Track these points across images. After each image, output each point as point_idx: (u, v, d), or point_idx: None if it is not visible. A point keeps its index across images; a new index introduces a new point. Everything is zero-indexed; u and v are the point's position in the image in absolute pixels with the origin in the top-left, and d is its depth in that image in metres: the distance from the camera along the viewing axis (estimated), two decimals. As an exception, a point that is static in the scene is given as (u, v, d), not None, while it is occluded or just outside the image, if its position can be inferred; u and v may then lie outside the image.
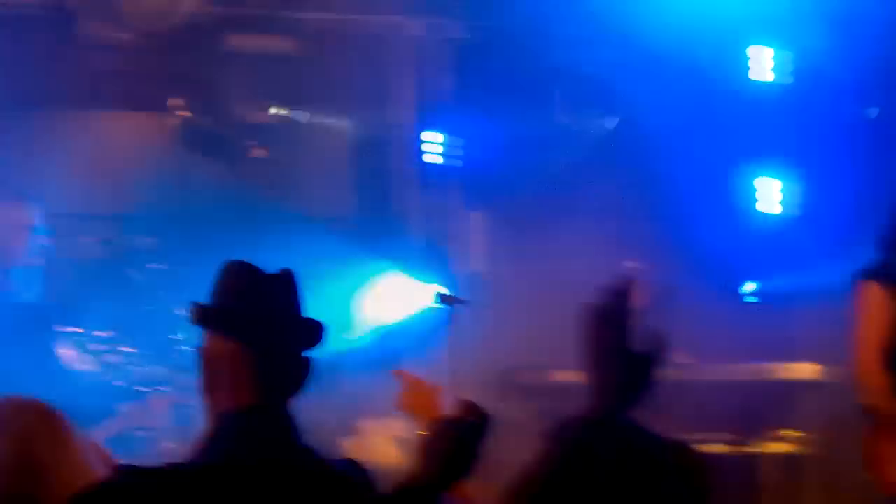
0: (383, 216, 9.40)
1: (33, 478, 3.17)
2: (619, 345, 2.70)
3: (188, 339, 7.74)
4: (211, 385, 3.09)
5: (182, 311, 7.75)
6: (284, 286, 3.12)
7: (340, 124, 9.55)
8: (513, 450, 3.15)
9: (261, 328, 3.07)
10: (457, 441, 3.06)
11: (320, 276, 3.25)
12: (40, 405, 3.31)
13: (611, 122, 9.20)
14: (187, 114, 8.48)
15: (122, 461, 3.14)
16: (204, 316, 3.11)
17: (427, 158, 9.23)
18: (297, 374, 3.12)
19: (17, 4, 9.10)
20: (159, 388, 7.66)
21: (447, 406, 3.56)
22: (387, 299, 8.22)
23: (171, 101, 8.41)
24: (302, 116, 9.42)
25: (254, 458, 2.99)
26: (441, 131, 9.26)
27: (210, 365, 3.09)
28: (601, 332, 2.73)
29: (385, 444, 7.70)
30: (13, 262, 6.65)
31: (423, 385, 3.80)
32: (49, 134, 8.74)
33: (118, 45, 8.90)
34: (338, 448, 3.16)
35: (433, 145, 9.23)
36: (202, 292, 3.28)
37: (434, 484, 3.05)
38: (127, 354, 7.64)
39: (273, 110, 9.36)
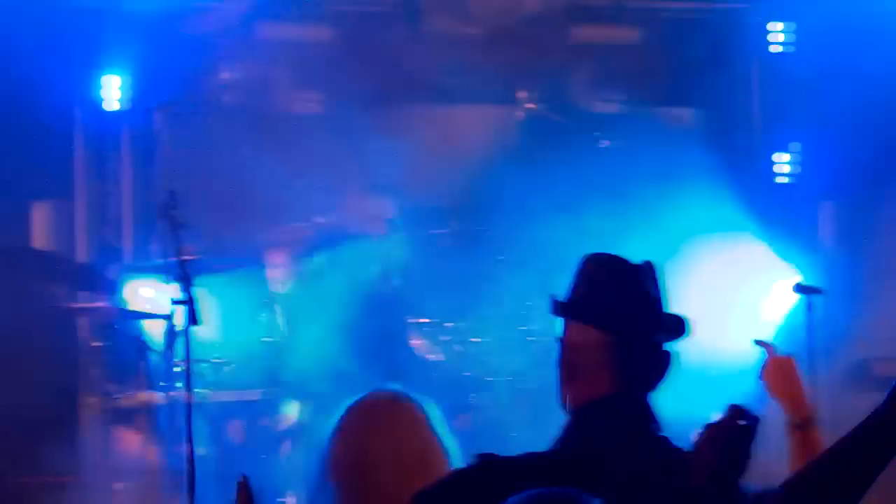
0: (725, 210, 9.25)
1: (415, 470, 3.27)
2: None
3: (537, 331, 7.82)
4: (571, 375, 3.10)
5: (531, 303, 7.84)
6: (648, 277, 3.10)
7: (685, 114, 9.44)
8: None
9: (625, 318, 3.06)
10: (727, 445, 2.95)
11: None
12: (410, 399, 3.40)
13: None
14: (534, 106, 8.53)
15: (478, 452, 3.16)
16: (567, 306, 3.12)
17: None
18: (658, 366, 3.11)
19: (367, 2, 9.40)
20: (508, 378, 7.76)
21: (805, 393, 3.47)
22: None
23: (519, 94, 8.47)
24: (647, 107, 9.35)
25: (613, 448, 2.99)
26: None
27: (571, 355, 3.10)
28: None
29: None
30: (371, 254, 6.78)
31: (787, 363, 3.63)
32: (400, 128, 8.95)
33: (465, 39, 9.06)
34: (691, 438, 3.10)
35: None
36: (552, 284, 3.29)
37: (704, 487, 2.94)
38: (476, 345, 7.74)
39: (618, 101, 9.33)
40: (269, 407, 7.35)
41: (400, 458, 3.29)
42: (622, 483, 2.95)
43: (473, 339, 7.75)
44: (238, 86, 8.31)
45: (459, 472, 3.05)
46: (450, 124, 9.09)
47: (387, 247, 6.88)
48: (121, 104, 8.81)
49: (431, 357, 7.71)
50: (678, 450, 3.07)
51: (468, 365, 7.70)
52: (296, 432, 7.38)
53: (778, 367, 3.61)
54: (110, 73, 8.78)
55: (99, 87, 8.81)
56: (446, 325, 7.80)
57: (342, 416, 3.44)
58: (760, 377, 3.86)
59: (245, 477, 3.16)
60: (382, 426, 3.38)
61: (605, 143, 8.53)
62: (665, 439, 3.10)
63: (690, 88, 9.23)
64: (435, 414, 3.43)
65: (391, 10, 9.29)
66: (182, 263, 5.39)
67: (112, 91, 8.79)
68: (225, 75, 7.75)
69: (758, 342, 3.88)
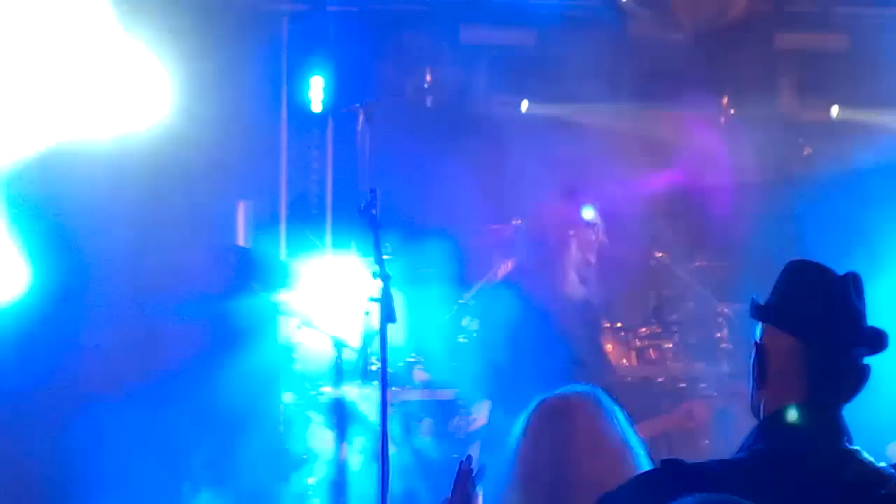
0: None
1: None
2: None
3: (730, 338, 7.73)
4: (763, 380, 3.06)
5: (725, 310, 7.76)
6: (852, 288, 3.05)
7: (888, 121, 9.23)
8: None
9: (823, 328, 3.02)
10: None
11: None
12: (599, 402, 3.41)
13: None
14: (736, 111, 8.43)
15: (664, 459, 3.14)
16: (766, 309, 3.09)
17: None
18: (853, 378, 3.05)
19: (572, 6, 9.41)
20: (701, 385, 7.68)
21: None
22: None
23: (723, 100, 8.39)
24: (849, 114, 9.16)
25: (799, 457, 2.95)
26: None
27: (766, 360, 3.07)
28: None
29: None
30: (577, 260, 6.71)
31: None
32: (602, 131, 8.95)
33: (670, 44, 9.00)
34: (884, 454, 3.06)
35: None
36: (748, 290, 3.26)
37: None
38: (668, 350, 7.69)
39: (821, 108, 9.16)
40: (461, 407, 7.40)
41: (592, 458, 3.30)
42: (806, 494, 2.90)
43: (667, 344, 7.69)
44: (441, 87, 8.39)
45: (644, 476, 3.03)
46: (653, 129, 9.05)
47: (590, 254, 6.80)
48: (324, 105, 9.00)
49: (624, 362, 7.67)
50: (870, 464, 3.01)
51: (660, 371, 7.65)
52: (486, 433, 7.42)
53: None
54: (316, 74, 8.97)
55: (306, 88, 9.01)
56: (641, 329, 7.76)
57: (533, 416, 3.45)
58: None
59: (468, 459, 3.23)
60: (575, 426, 3.39)
61: (808, 151, 8.38)
62: (856, 452, 3.04)
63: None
64: (622, 417, 3.43)
65: (595, 14, 9.28)
66: (380, 262, 5.46)
67: (317, 92, 8.98)
68: (428, 77, 7.84)
69: None
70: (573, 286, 6.63)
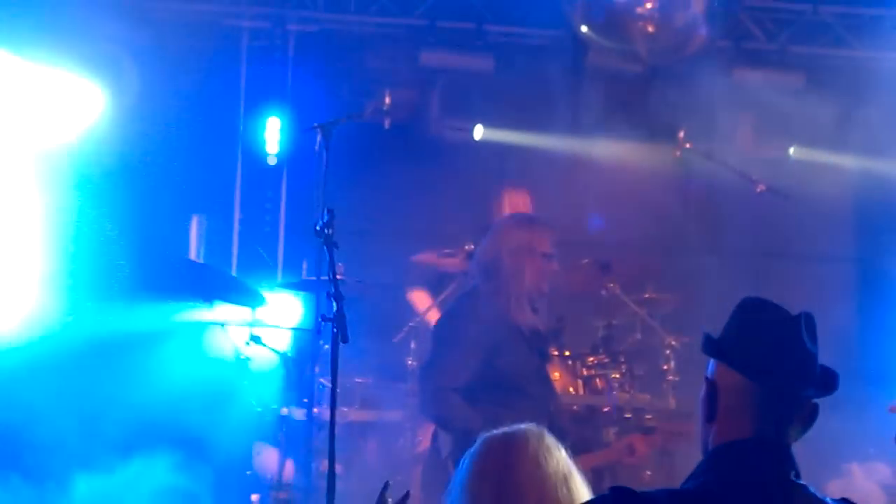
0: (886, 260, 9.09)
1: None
2: None
3: (677, 370, 7.78)
4: (713, 415, 3.08)
5: (673, 342, 7.80)
6: (804, 329, 3.08)
7: (846, 163, 9.32)
8: None
9: (774, 369, 3.03)
10: None
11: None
12: (546, 437, 3.45)
13: None
14: (692, 145, 8.49)
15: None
16: (717, 345, 3.11)
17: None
18: (802, 418, 3.08)
19: (531, 35, 9.47)
20: (647, 416, 7.72)
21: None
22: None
23: (679, 133, 8.44)
24: (807, 154, 9.26)
25: (748, 489, 2.97)
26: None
27: (716, 396, 3.08)
28: None
29: (871, 488, 7.46)
30: (530, 288, 6.71)
31: None
32: (557, 160, 8.99)
33: (628, 76, 9.06)
34: (823, 489, 3.08)
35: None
36: (696, 323, 3.28)
37: None
38: (615, 381, 7.71)
39: (778, 147, 9.25)
40: (407, 429, 7.40)
41: (535, 490, 3.32)
42: None
43: (614, 375, 7.71)
44: (399, 110, 8.41)
45: (593, 502, 3.05)
46: (608, 159, 9.10)
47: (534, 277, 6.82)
48: (280, 146, 9.01)
49: (570, 390, 7.69)
50: (817, 498, 3.04)
51: (606, 400, 7.67)
52: (430, 456, 7.42)
53: None
54: (274, 108, 8.99)
55: (262, 128, 9.02)
56: (589, 358, 7.78)
57: (477, 452, 3.49)
58: None
59: (388, 483, 3.24)
60: (519, 459, 3.43)
61: (763, 188, 8.44)
62: (804, 487, 3.06)
63: (852, 139, 9.12)
64: (563, 452, 3.47)
65: (554, 43, 9.34)
66: (333, 281, 5.46)
67: (273, 133, 9.00)
68: (387, 99, 7.85)
69: (892, 408, 3.88)
70: (525, 314, 6.65)
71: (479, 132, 9.25)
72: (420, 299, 8.14)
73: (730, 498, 2.98)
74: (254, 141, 9.14)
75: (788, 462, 3.06)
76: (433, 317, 7.84)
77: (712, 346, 3.12)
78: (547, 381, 6.93)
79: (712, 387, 3.11)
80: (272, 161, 9.09)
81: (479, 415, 6.24)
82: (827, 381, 3.09)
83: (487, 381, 6.46)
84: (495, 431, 3.52)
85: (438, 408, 6.49)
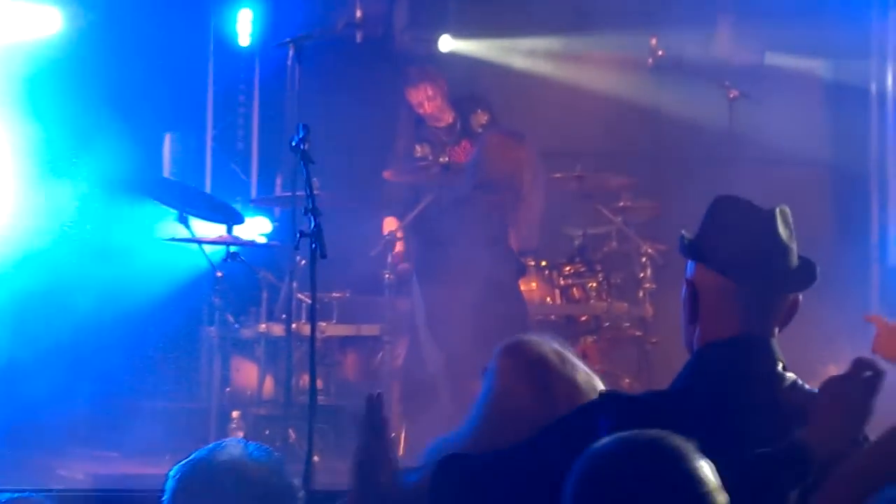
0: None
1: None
2: None
3: (653, 278, 7.80)
4: (696, 316, 3.08)
5: (649, 250, 7.81)
6: (779, 222, 3.07)
7: (816, 69, 9.31)
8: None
9: (752, 267, 3.03)
10: (849, 398, 2.93)
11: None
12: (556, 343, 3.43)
13: None
14: (664, 52, 8.43)
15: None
16: (694, 247, 3.11)
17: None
18: (783, 311, 3.09)
19: None
20: (624, 324, 7.76)
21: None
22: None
23: (652, 40, 8.38)
24: (779, 59, 9.23)
25: (736, 383, 3.00)
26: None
27: (696, 297, 3.08)
28: None
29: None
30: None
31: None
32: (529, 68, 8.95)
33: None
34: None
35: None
36: (673, 231, 3.27)
37: (825, 440, 2.92)
38: (590, 290, 7.73)
39: (753, 53, 9.21)
40: (385, 343, 7.43)
41: (550, 396, 3.30)
42: (744, 419, 2.95)
43: (590, 283, 7.73)
44: (371, 24, 8.33)
45: (583, 408, 3.06)
46: (581, 67, 9.05)
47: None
48: (252, 39, 8.93)
49: (548, 300, 7.71)
50: (805, 389, 3.06)
51: (581, 309, 7.70)
52: (407, 370, 7.46)
53: (890, 334, 3.62)
54: (244, 6, 8.89)
55: (234, 22, 8.92)
56: (566, 268, 7.79)
57: (511, 356, 3.42)
58: (875, 348, 3.94)
59: (379, 394, 3.23)
60: (534, 367, 3.35)
61: (735, 94, 8.41)
62: (794, 379, 3.08)
63: (823, 45, 9.10)
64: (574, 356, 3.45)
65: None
66: (310, 197, 5.44)
67: (245, 26, 8.90)
68: (358, 13, 7.77)
69: (867, 317, 3.94)
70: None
71: (445, 43, 9.18)
72: (388, 224, 8.12)
73: (719, 395, 2.99)
74: (226, 51, 9.05)
75: (774, 356, 3.07)
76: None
77: (689, 248, 3.12)
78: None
79: (692, 287, 3.11)
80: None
81: None
82: (806, 274, 3.09)
83: None
84: (511, 340, 3.49)
85: None
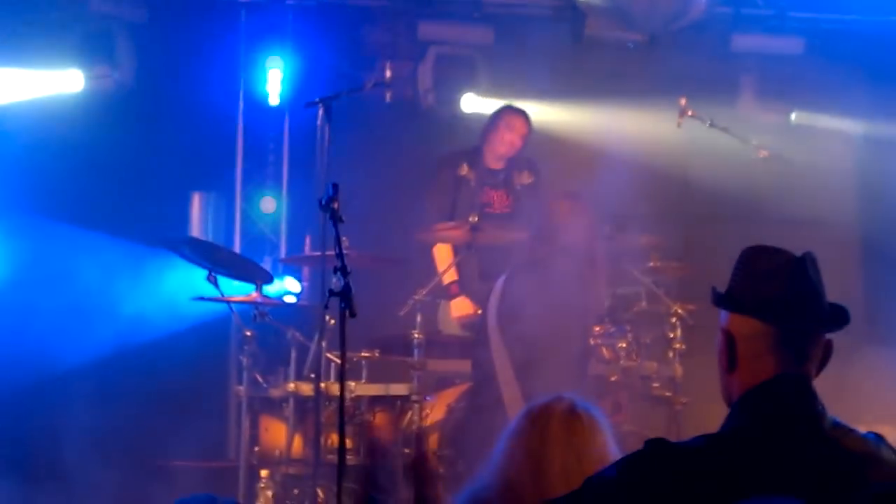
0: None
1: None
2: None
3: (683, 338, 7.78)
4: (734, 364, 3.10)
5: (679, 310, 7.79)
6: (809, 267, 3.10)
7: (849, 127, 9.32)
8: None
9: (786, 307, 3.06)
10: None
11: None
12: (589, 411, 3.51)
13: None
14: (694, 113, 8.44)
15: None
16: (729, 297, 3.13)
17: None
18: (818, 354, 3.11)
19: (530, 4, 9.43)
20: (654, 384, 7.72)
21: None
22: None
23: (681, 101, 8.40)
24: (807, 118, 9.25)
25: (781, 424, 3.01)
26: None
27: (734, 345, 3.11)
28: None
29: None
30: None
31: None
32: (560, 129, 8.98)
33: (628, 45, 9.04)
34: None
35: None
36: (705, 289, 3.29)
37: None
38: (620, 349, 7.71)
39: (779, 112, 9.24)
40: (415, 402, 7.40)
41: (570, 468, 3.36)
42: (792, 458, 2.96)
43: (621, 345, 7.71)
44: (399, 83, 8.40)
45: (631, 457, 3.06)
46: (610, 128, 9.08)
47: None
48: (282, 98, 9.00)
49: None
50: (850, 429, 3.06)
51: (613, 368, 7.68)
52: (438, 429, 7.42)
53: None
54: (274, 66, 8.97)
55: (264, 81, 9.00)
56: (595, 328, 7.77)
57: (522, 418, 3.55)
58: None
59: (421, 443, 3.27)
60: (562, 437, 3.50)
61: (765, 153, 8.42)
62: (834, 418, 3.09)
63: (854, 103, 9.11)
64: (607, 424, 3.50)
65: (553, 13, 9.31)
66: (340, 256, 5.45)
67: (275, 85, 8.98)
68: (388, 72, 7.83)
69: None
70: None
71: (468, 103, 9.24)
72: (441, 255, 8.17)
73: (764, 435, 3.00)
74: (255, 110, 9.12)
75: (814, 396, 3.09)
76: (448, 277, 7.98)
77: (722, 298, 3.14)
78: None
79: (728, 336, 3.12)
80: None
81: None
82: (838, 316, 3.12)
83: None
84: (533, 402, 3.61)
85: None
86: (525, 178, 8.40)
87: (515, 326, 7.06)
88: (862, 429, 3.11)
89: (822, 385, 3.11)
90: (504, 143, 8.30)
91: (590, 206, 7.38)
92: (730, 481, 2.91)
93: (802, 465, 2.97)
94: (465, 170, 8.30)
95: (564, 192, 7.70)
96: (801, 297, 3.09)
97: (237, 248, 8.85)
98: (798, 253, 3.14)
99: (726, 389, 3.13)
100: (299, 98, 8.48)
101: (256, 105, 9.10)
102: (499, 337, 7.18)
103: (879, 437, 3.15)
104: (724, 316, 3.15)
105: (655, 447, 2.98)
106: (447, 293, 8.13)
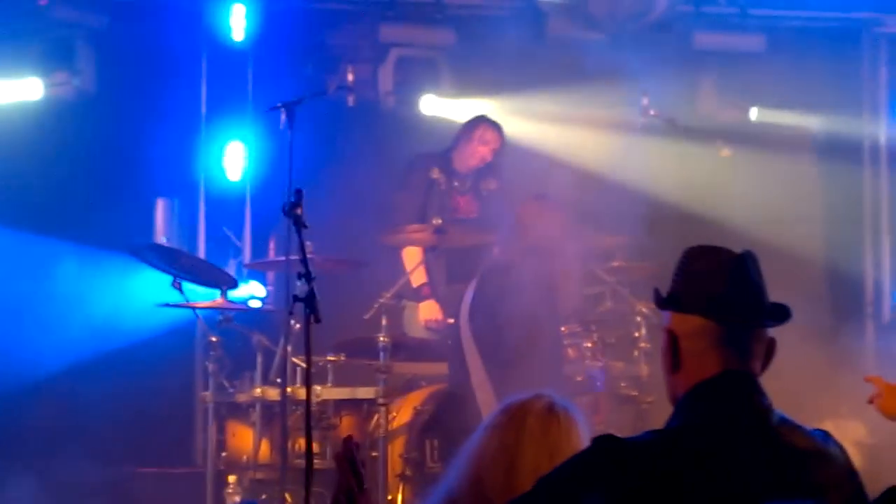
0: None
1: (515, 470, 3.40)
2: None
3: (648, 337, 7.81)
4: (678, 363, 3.11)
5: (644, 309, 7.82)
6: (750, 265, 3.13)
7: (806, 124, 9.37)
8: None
9: (729, 304, 3.06)
10: None
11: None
12: (567, 409, 3.51)
13: None
14: (656, 112, 8.48)
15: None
16: (672, 298, 3.15)
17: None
18: (762, 350, 3.13)
19: (492, 5, 9.45)
20: (620, 384, 7.75)
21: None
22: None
23: (643, 100, 8.43)
24: (768, 115, 9.29)
25: (728, 420, 3.03)
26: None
27: (676, 343, 3.12)
28: None
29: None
30: None
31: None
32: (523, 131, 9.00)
33: (589, 44, 9.05)
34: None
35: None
36: (667, 287, 3.30)
37: None
38: (586, 349, 7.73)
39: (740, 109, 9.28)
40: (382, 406, 7.40)
41: (541, 466, 3.36)
42: (740, 453, 2.98)
43: (586, 345, 7.73)
44: (361, 86, 8.39)
45: (580, 455, 3.07)
46: (571, 128, 9.10)
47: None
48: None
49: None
50: (798, 425, 3.08)
51: (577, 368, 7.69)
52: (405, 432, 7.42)
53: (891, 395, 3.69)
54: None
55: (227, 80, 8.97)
56: (560, 329, 7.78)
57: (500, 413, 3.55)
58: (878, 408, 4.05)
59: (352, 439, 3.23)
60: (537, 433, 3.50)
61: (726, 152, 8.46)
62: (781, 414, 3.11)
63: (812, 99, 9.16)
64: (585, 425, 3.51)
65: (513, 13, 9.32)
66: (304, 261, 5.44)
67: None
68: (350, 76, 7.82)
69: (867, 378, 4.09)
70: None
71: (427, 105, 9.25)
72: (411, 257, 8.17)
73: (710, 432, 3.02)
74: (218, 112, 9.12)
75: (760, 392, 3.10)
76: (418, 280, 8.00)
77: (665, 299, 3.16)
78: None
79: (671, 335, 3.14)
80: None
81: None
82: (779, 312, 3.13)
83: None
84: (517, 397, 3.60)
85: None
86: (491, 185, 8.44)
87: (488, 329, 7.08)
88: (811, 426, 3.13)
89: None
90: (475, 157, 8.33)
91: (558, 206, 7.40)
92: (676, 476, 2.93)
93: (748, 461, 2.99)
94: (436, 173, 8.32)
95: (533, 193, 7.72)
96: (741, 294, 3.11)
97: (201, 254, 8.83)
98: (738, 251, 3.16)
99: (672, 389, 3.15)
100: (264, 100, 8.45)
101: (220, 109, 9.06)
102: (471, 339, 7.20)
103: (826, 434, 3.18)
104: (666, 316, 3.17)
105: (603, 443, 2.99)
106: (418, 295, 8.13)
